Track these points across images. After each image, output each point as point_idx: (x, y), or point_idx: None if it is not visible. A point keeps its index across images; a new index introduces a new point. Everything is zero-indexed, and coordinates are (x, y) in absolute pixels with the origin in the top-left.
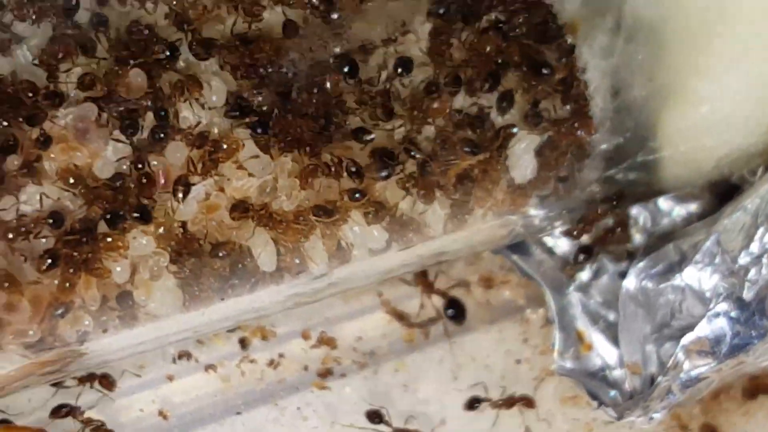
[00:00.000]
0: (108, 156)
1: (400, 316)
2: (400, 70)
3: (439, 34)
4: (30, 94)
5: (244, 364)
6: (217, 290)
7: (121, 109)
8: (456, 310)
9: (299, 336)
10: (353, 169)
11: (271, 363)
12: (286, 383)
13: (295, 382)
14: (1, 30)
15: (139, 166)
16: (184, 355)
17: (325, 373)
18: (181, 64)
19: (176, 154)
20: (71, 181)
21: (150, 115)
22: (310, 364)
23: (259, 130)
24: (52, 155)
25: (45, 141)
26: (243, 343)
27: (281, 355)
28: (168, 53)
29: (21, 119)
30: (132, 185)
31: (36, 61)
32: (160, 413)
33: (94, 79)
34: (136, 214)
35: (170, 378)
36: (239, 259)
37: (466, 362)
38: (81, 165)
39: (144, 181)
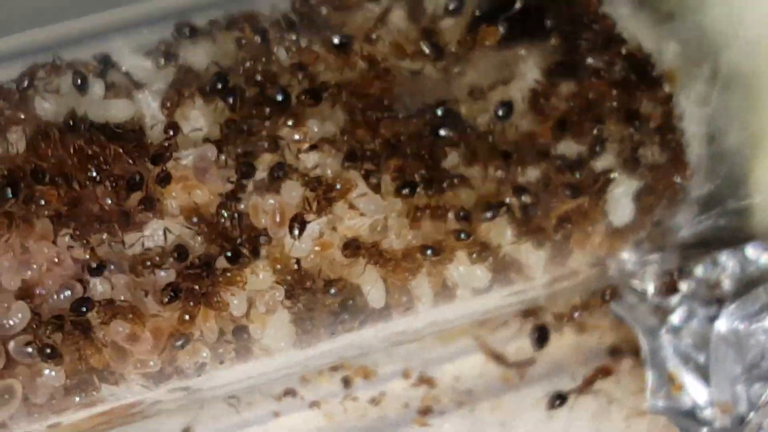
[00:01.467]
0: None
1: (497, 357)
2: (501, 113)
3: (547, 83)
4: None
5: (347, 401)
6: (327, 326)
7: (239, 151)
8: (540, 333)
9: (400, 375)
10: (462, 214)
11: (373, 401)
12: (388, 420)
13: (396, 420)
14: (124, 77)
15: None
16: (290, 393)
17: (425, 411)
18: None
19: (291, 193)
20: (194, 218)
21: (266, 157)
22: (410, 402)
23: (370, 176)
24: (174, 193)
25: (165, 178)
26: (346, 381)
27: (382, 393)
28: (281, 97)
29: (146, 159)
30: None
31: (158, 105)
32: None
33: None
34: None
35: (277, 414)
36: (349, 296)
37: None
38: (200, 203)
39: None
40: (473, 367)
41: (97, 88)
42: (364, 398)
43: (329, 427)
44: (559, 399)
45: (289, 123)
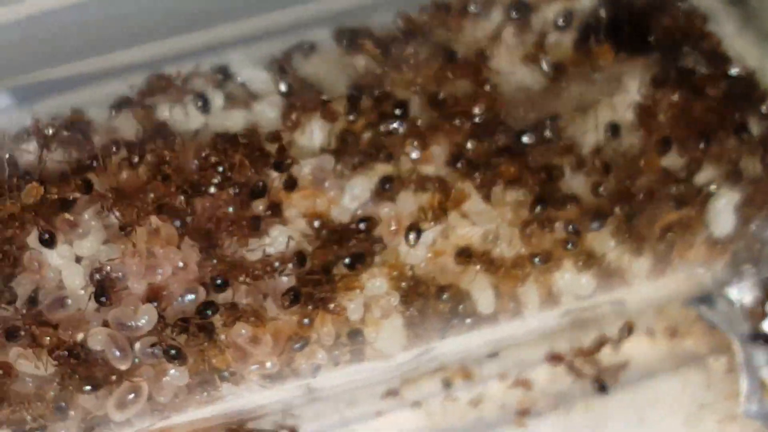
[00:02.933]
0: (345, 203)
1: (591, 361)
2: (610, 132)
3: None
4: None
5: (447, 402)
6: (438, 330)
7: (355, 161)
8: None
9: (497, 377)
10: (571, 228)
11: (472, 402)
12: (486, 421)
13: (494, 421)
14: (241, 88)
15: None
16: (392, 393)
17: (522, 413)
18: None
19: (406, 202)
20: (315, 224)
21: (381, 167)
22: (507, 404)
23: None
24: (293, 202)
25: (291, 184)
26: (446, 382)
27: (481, 395)
28: (400, 111)
29: (267, 167)
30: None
31: (275, 115)
32: None
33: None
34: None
35: (379, 413)
36: (460, 301)
37: (651, 406)
38: (319, 211)
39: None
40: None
41: (216, 98)
42: (463, 399)
43: (429, 426)
44: None
45: (414, 144)
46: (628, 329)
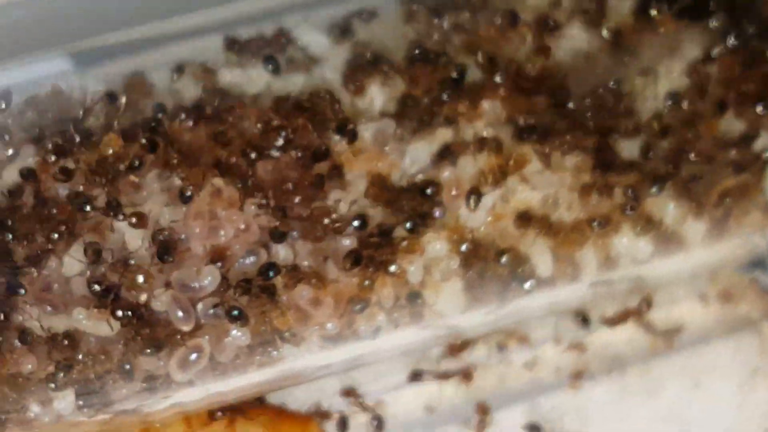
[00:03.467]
0: (405, 167)
1: (645, 325)
2: (670, 100)
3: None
4: (335, 106)
5: (501, 365)
6: (496, 293)
7: (414, 125)
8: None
9: (552, 341)
10: (631, 193)
11: (526, 365)
12: (541, 384)
13: (549, 384)
14: (301, 52)
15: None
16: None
17: (577, 376)
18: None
19: (466, 167)
20: (374, 187)
21: (442, 132)
22: (562, 367)
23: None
24: (355, 165)
25: (352, 136)
26: (500, 346)
27: (536, 358)
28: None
29: (328, 130)
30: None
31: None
32: (426, 408)
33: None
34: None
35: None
36: (518, 265)
37: (705, 371)
38: (381, 174)
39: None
40: (622, 334)
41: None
42: (518, 362)
43: (485, 388)
44: None
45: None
46: (647, 303)
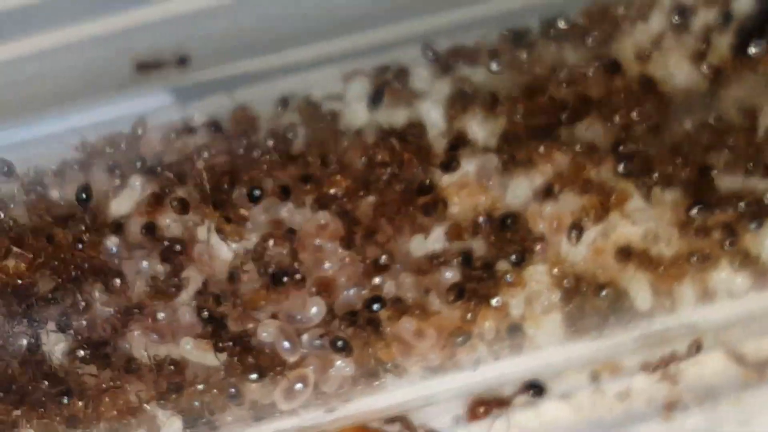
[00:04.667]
0: (508, 201)
1: (738, 357)
2: None
3: None
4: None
5: (594, 395)
6: (595, 326)
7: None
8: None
9: (644, 371)
10: (729, 230)
11: (619, 395)
12: (633, 414)
13: (641, 414)
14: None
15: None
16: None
17: (669, 407)
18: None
19: (568, 201)
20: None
21: (541, 166)
22: (654, 398)
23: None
24: (457, 199)
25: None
26: (593, 376)
27: (628, 388)
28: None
29: (431, 164)
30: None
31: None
32: None
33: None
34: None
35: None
36: (618, 299)
37: None
38: (484, 209)
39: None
40: (714, 365)
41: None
42: (610, 392)
43: (577, 419)
44: None
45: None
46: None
